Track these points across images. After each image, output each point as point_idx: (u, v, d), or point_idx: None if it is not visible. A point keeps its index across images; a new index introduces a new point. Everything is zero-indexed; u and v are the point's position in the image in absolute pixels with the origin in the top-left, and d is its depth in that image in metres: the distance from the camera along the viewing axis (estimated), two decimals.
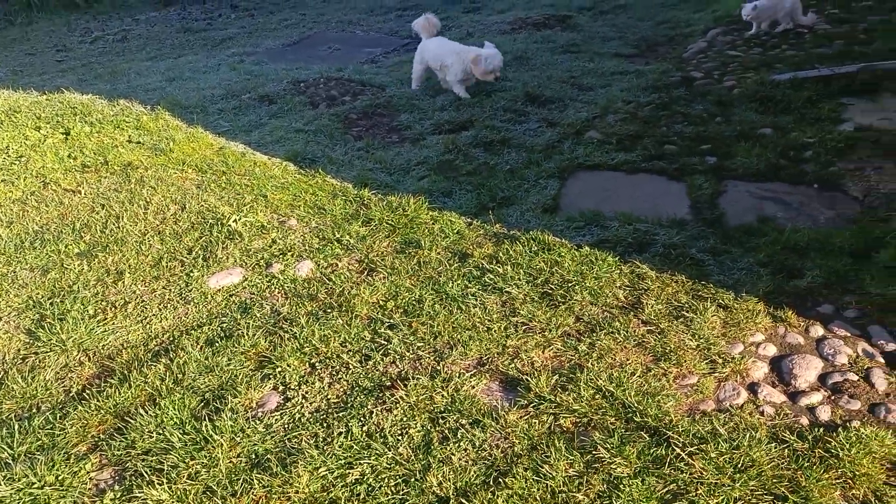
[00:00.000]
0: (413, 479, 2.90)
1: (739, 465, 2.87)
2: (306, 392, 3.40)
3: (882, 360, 3.47)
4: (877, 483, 2.81)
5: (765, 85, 6.83)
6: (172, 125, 6.81)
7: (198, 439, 3.15)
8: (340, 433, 3.14)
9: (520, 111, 6.78)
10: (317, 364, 3.58)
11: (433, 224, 4.81)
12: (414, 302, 3.99)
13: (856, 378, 3.37)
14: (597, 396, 3.25)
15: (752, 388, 3.34)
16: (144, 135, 6.54)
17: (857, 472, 2.84)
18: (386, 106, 7.25)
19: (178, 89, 8.16)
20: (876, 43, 7.69)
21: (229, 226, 4.85)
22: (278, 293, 4.20)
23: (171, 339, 3.85)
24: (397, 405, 3.27)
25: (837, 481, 2.82)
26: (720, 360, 3.46)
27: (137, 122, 6.83)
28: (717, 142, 5.79)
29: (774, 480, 2.81)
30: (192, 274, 4.40)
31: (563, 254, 4.31)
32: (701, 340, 3.57)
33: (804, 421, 3.14)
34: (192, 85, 8.36)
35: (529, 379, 3.36)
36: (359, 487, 2.89)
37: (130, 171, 5.75)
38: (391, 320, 3.85)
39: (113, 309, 4.11)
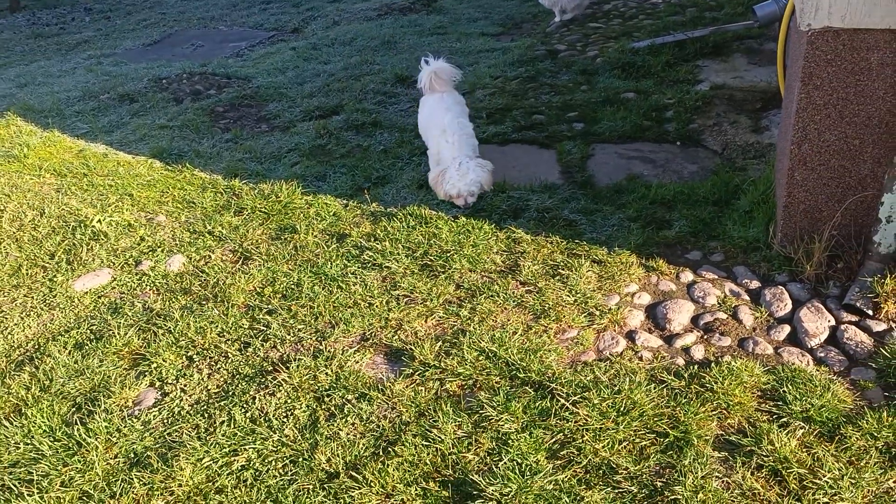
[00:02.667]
0: (301, 459, 2.84)
1: (622, 409, 2.94)
2: (185, 385, 3.28)
3: (747, 298, 3.63)
4: (749, 410, 2.93)
5: (625, 52, 7.02)
6: (26, 130, 6.44)
7: (70, 445, 2.98)
8: (223, 422, 3.04)
9: (389, 93, 6.76)
10: (194, 356, 3.45)
11: (308, 208, 4.72)
12: (292, 286, 3.90)
13: (725, 316, 3.51)
14: (480, 358, 3.26)
15: (630, 335, 3.43)
16: None
17: (731, 402, 2.95)
18: (253, 97, 7.07)
19: (30, 95, 7.72)
20: (725, 8, 8.03)
21: (93, 227, 4.62)
22: (150, 290, 4.04)
23: (36, 346, 3.64)
24: (280, 388, 3.19)
25: (713, 413, 2.93)
26: (598, 313, 3.54)
27: None
28: (584, 108, 5.92)
29: (655, 419, 2.89)
30: (55, 279, 4.17)
31: (440, 226, 4.30)
32: (578, 295, 3.64)
33: (680, 361, 3.25)
34: (46, 90, 7.93)
35: (413, 348, 3.35)
36: (245, 473, 2.80)
37: None
38: (269, 306, 3.76)
39: None
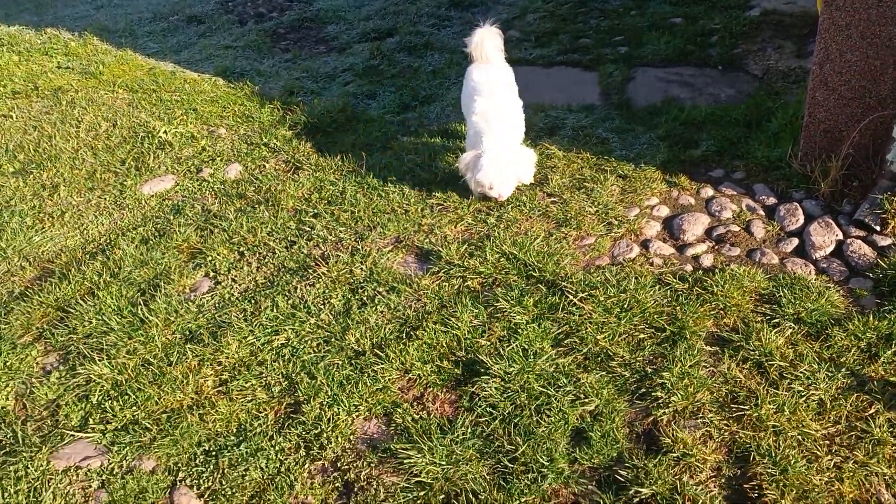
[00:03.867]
0: (333, 339, 3.19)
1: (625, 306, 3.19)
2: (235, 276, 3.66)
3: (762, 213, 3.80)
4: (745, 312, 3.16)
5: None
6: (101, 49, 6.86)
7: (135, 322, 3.40)
8: (267, 307, 3.41)
9: (443, 16, 6.94)
10: (245, 252, 3.82)
11: (357, 123, 5.01)
12: (337, 193, 4.22)
13: (738, 229, 3.70)
14: (501, 260, 3.54)
15: (645, 244, 3.66)
16: (73, 60, 6.59)
17: (729, 304, 3.18)
18: (313, 19, 7.35)
19: (105, 16, 8.15)
20: None
21: (160, 137, 5.01)
22: (209, 194, 4.41)
23: (108, 240, 4.06)
24: (320, 280, 3.54)
25: (711, 312, 3.16)
26: (616, 222, 3.77)
27: (66, 48, 6.87)
28: (630, 33, 6.02)
29: (655, 316, 3.14)
30: (125, 183, 4.58)
31: None
32: (600, 207, 3.87)
33: (688, 268, 3.47)
34: (121, 11, 8.34)
35: (441, 249, 3.64)
36: (284, 350, 3.17)
37: (61, 95, 5.84)
38: (315, 210, 4.09)
39: (50, 219, 4.30)
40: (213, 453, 2.76)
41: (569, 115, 4.82)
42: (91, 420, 2.93)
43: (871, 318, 3.03)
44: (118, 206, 4.38)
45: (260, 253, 3.81)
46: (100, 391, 3.05)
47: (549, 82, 5.42)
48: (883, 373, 2.80)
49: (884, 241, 3.48)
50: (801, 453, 2.54)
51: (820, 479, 2.45)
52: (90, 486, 2.70)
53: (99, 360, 3.18)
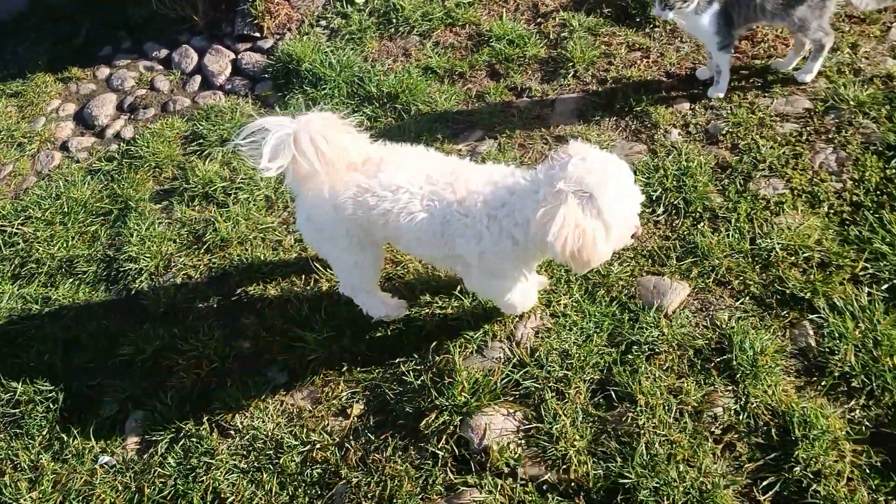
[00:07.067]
0: None
1: (66, 210, 3.09)
2: None
3: (161, 67, 3.86)
4: (178, 158, 3.24)
5: None
6: None
7: None
8: None
9: None
10: None
11: None
12: None
13: (145, 91, 3.72)
14: None
15: (65, 146, 3.53)
16: None
17: (160, 159, 3.24)
18: None
19: None
20: None
21: None
22: None
23: None
24: None
25: (148, 174, 3.20)
26: (27, 140, 3.56)
27: None
28: None
29: (98, 204, 3.10)
30: None
31: None
32: (3, 133, 3.60)
33: (114, 147, 3.43)
34: None
35: None
36: None
37: None
38: None
39: None
40: None
41: None
42: None
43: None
44: None
45: None
46: None
47: None
48: None
49: (267, 43, 3.76)
50: None
51: None
52: None
53: None
